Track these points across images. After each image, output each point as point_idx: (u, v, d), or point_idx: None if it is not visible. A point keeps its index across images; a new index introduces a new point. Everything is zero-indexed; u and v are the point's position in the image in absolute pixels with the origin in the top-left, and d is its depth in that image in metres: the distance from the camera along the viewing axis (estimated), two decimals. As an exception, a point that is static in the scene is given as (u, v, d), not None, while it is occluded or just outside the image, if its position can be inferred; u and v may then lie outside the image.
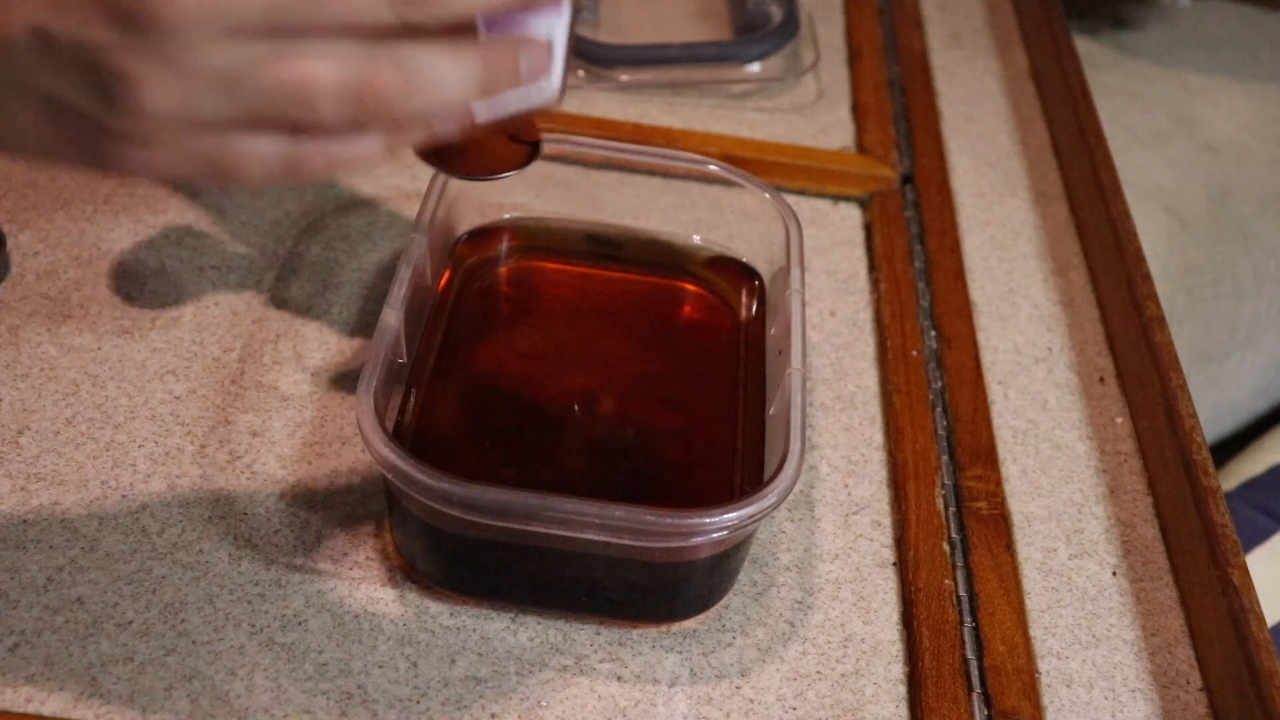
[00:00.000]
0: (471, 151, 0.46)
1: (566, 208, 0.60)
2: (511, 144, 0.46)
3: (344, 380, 0.55)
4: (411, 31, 0.35)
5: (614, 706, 0.46)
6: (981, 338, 0.63)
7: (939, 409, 0.59)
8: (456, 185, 0.56)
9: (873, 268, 0.66)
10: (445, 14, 0.35)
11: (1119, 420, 0.60)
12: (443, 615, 0.47)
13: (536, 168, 0.59)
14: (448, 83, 0.36)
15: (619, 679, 0.47)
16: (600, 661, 0.47)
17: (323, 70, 0.34)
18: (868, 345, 0.62)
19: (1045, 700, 0.48)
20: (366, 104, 0.35)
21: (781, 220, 0.56)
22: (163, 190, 0.63)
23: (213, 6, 0.33)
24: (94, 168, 0.37)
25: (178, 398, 0.53)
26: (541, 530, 0.44)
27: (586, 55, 0.74)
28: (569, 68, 0.40)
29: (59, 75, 0.34)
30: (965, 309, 0.64)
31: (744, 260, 0.59)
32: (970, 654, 0.49)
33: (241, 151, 0.35)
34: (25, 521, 0.48)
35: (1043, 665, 0.49)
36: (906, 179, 0.72)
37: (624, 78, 0.75)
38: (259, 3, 0.33)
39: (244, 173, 0.36)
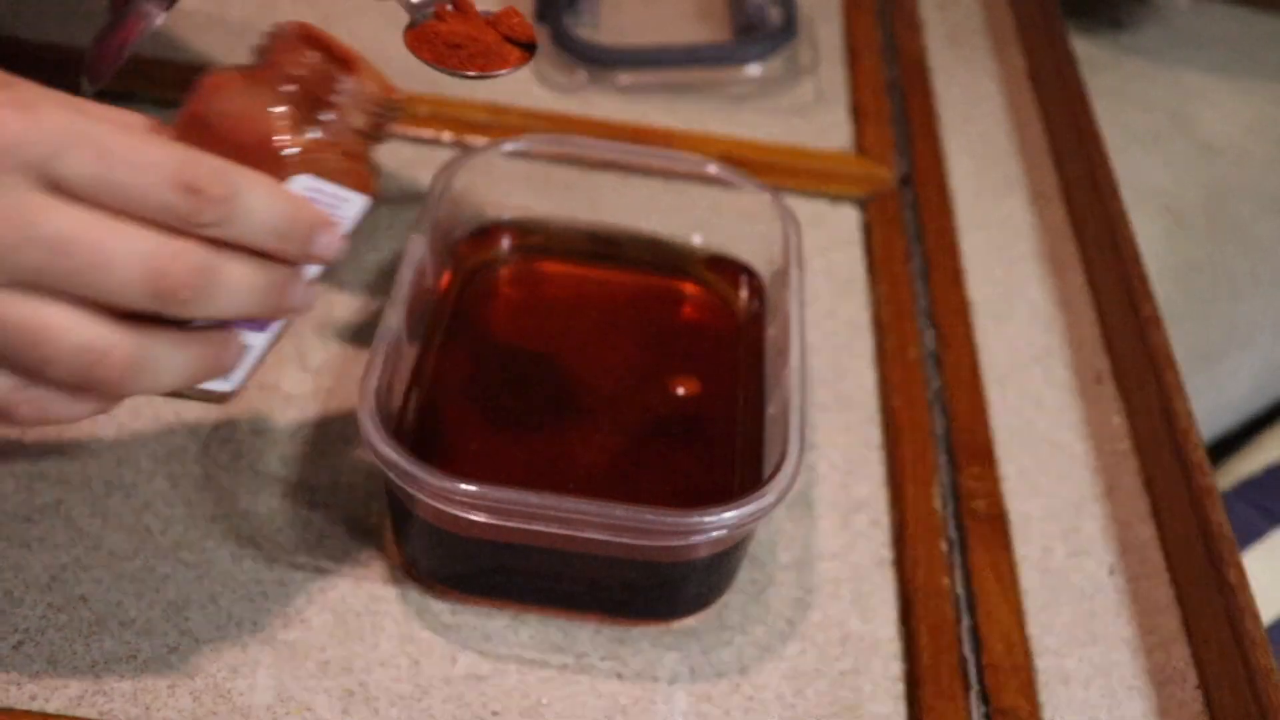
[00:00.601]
0: (466, 49, 0.46)
1: (566, 208, 0.60)
2: (506, 44, 0.47)
3: (345, 380, 0.55)
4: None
5: (614, 704, 0.46)
6: (979, 338, 0.63)
7: (937, 409, 0.59)
8: (458, 186, 0.56)
9: (871, 268, 0.66)
10: (200, 315, 0.37)
11: (1116, 419, 0.60)
12: (444, 613, 0.48)
13: (537, 168, 0.59)
14: (170, 371, 0.38)
15: (619, 677, 0.47)
16: (600, 660, 0.47)
17: (62, 331, 0.36)
18: (866, 345, 0.62)
19: (1042, 698, 0.48)
20: (94, 374, 0.36)
21: (780, 221, 0.56)
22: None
23: None
24: None
25: (180, 397, 0.54)
26: (542, 529, 0.44)
27: (587, 56, 0.75)
28: (251, 374, 0.43)
29: None
30: (963, 309, 0.64)
31: (743, 260, 0.59)
32: (968, 652, 0.49)
33: None
34: (29, 520, 0.48)
35: (1040, 663, 0.50)
36: (905, 180, 0.72)
37: (624, 79, 0.75)
38: (31, 258, 0.35)
39: None
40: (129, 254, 0.35)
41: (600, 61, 0.75)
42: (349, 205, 0.41)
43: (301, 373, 0.55)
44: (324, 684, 0.45)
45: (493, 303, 0.57)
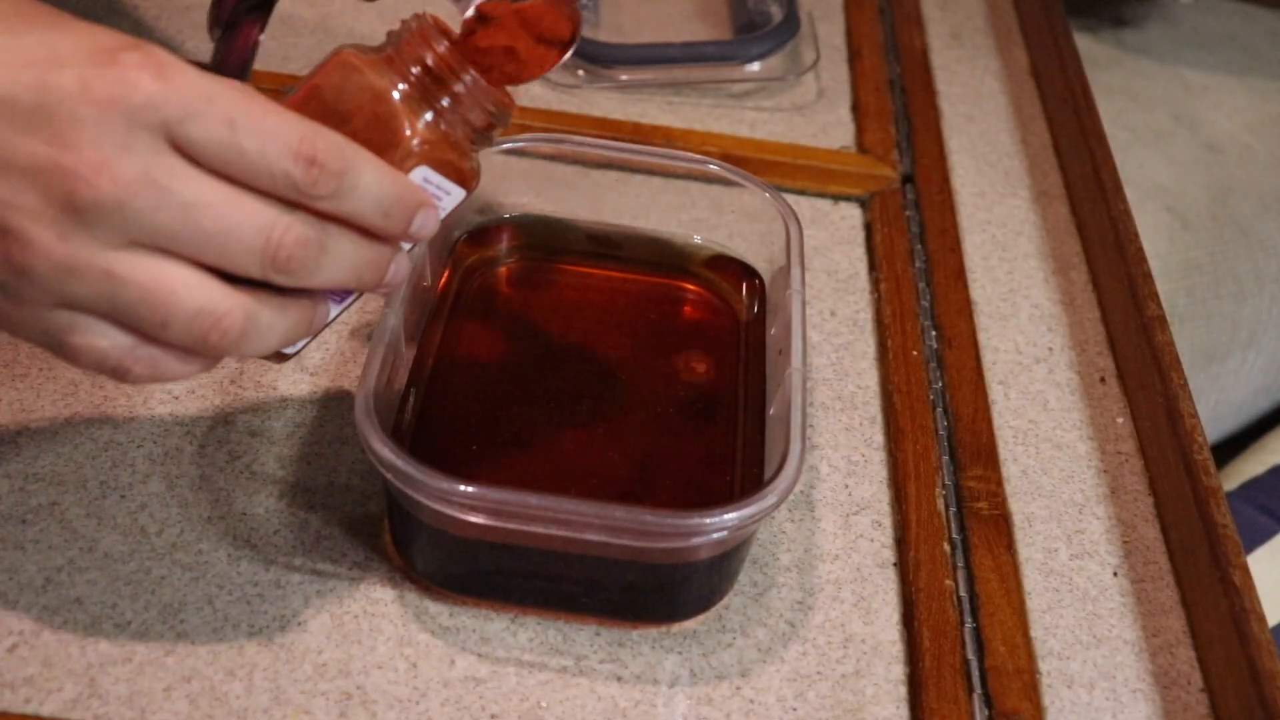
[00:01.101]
0: (500, 61, 0.46)
1: (566, 207, 0.60)
2: (538, 46, 0.46)
3: (343, 380, 0.55)
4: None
5: (614, 707, 0.46)
6: (982, 337, 0.63)
7: (939, 409, 0.59)
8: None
9: (873, 267, 0.66)
10: (303, 284, 0.39)
11: (1120, 420, 0.60)
12: (442, 615, 0.47)
13: (536, 166, 0.59)
14: (272, 335, 0.40)
15: (619, 679, 0.46)
16: (600, 662, 0.47)
17: (185, 293, 0.37)
18: (868, 345, 0.62)
19: (1046, 701, 0.48)
20: (209, 338, 0.38)
21: (782, 220, 0.56)
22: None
23: (128, 213, 0.35)
24: None
25: (176, 398, 0.53)
26: (541, 531, 0.44)
27: (587, 55, 0.74)
28: (310, 341, 0.44)
29: None
30: (966, 309, 0.64)
31: (744, 260, 0.59)
32: (971, 655, 0.49)
33: (84, 337, 0.38)
34: (24, 522, 0.48)
35: (1043, 666, 0.49)
36: (907, 178, 0.72)
37: (624, 77, 0.75)
38: (163, 221, 0.36)
39: (77, 356, 0.38)
40: (248, 223, 0.37)
41: (600, 59, 0.74)
42: (449, 199, 0.42)
43: (299, 373, 0.55)
44: (321, 687, 0.45)
45: (492, 302, 0.57)
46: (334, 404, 0.54)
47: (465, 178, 0.42)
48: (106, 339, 0.38)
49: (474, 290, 0.57)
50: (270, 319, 0.39)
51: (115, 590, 0.46)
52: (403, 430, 0.49)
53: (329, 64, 0.41)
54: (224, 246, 0.37)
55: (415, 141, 0.41)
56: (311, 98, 0.40)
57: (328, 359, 0.56)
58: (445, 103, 0.42)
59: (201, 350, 0.39)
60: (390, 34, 0.43)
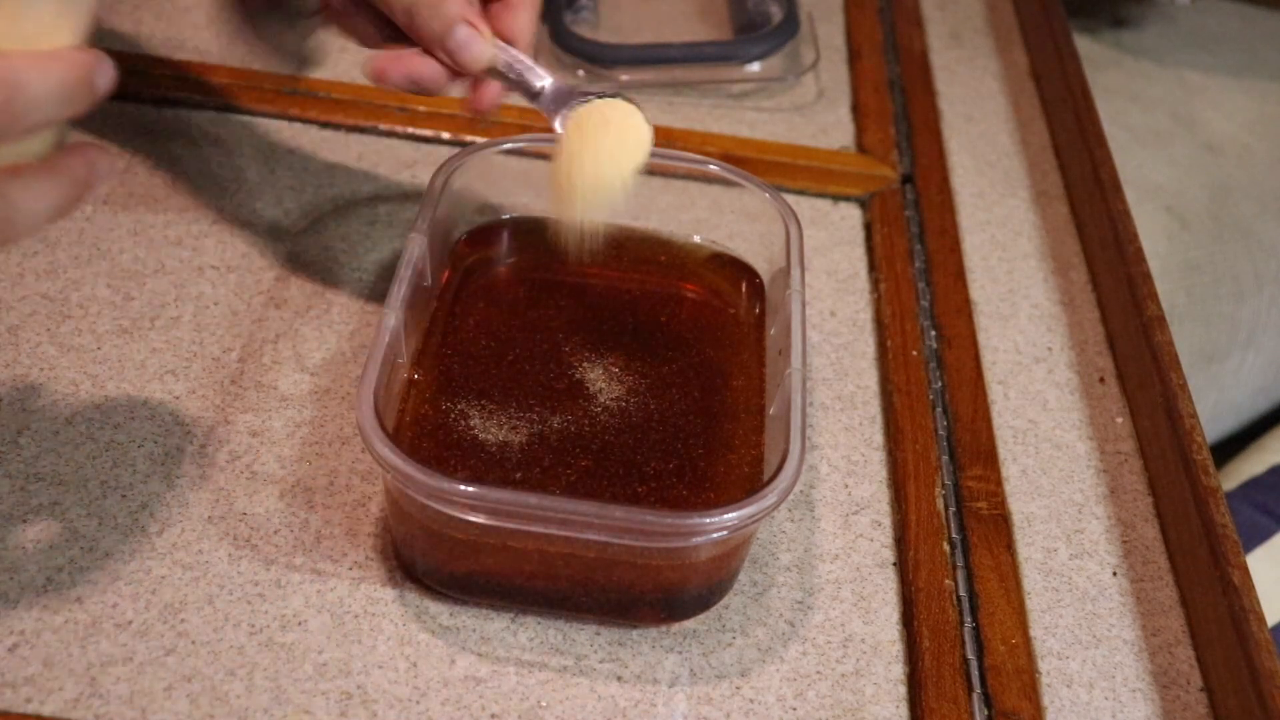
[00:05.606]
0: None
1: (566, 207, 0.60)
2: None
3: (344, 380, 0.55)
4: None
5: (614, 706, 0.46)
6: (982, 337, 0.63)
7: (939, 409, 0.59)
8: (457, 185, 0.56)
9: (873, 267, 0.66)
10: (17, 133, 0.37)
11: (1119, 420, 0.60)
12: (442, 615, 0.47)
13: (537, 168, 0.59)
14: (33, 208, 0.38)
15: (619, 679, 0.46)
16: (600, 662, 0.47)
17: None
18: (868, 345, 0.62)
19: (1045, 700, 0.48)
20: None
21: (781, 220, 0.56)
22: (162, 190, 0.63)
23: None
24: None
25: (177, 398, 0.53)
26: (541, 530, 0.44)
27: (586, 55, 0.74)
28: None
29: None
30: (965, 309, 0.64)
31: (744, 260, 0.59)
32: (970, 654, 0.49)
33: None
34: (25, 521, 0.48)
35: (1043, 665, 0.49)
36: (907, 179, 0.72)
37: (624, 78, 0.75)
38: None
39: None
40: None
41: (600, 60, 0.74)
42: None
43: (299, 373, 0.55)
44: (321, 686, 0.45)
45: (491, 302, 0.57)
46: (334, 404, 0.54)
47: None
48: None
49: (474, 290, 0.57)
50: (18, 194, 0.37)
51: (116, 590, 0.47)
52: (403, 430, 0.49)
53: None
54: None
55: None
56: None
57: (328, 358, 0.56)
58: None
59: None
60: None
